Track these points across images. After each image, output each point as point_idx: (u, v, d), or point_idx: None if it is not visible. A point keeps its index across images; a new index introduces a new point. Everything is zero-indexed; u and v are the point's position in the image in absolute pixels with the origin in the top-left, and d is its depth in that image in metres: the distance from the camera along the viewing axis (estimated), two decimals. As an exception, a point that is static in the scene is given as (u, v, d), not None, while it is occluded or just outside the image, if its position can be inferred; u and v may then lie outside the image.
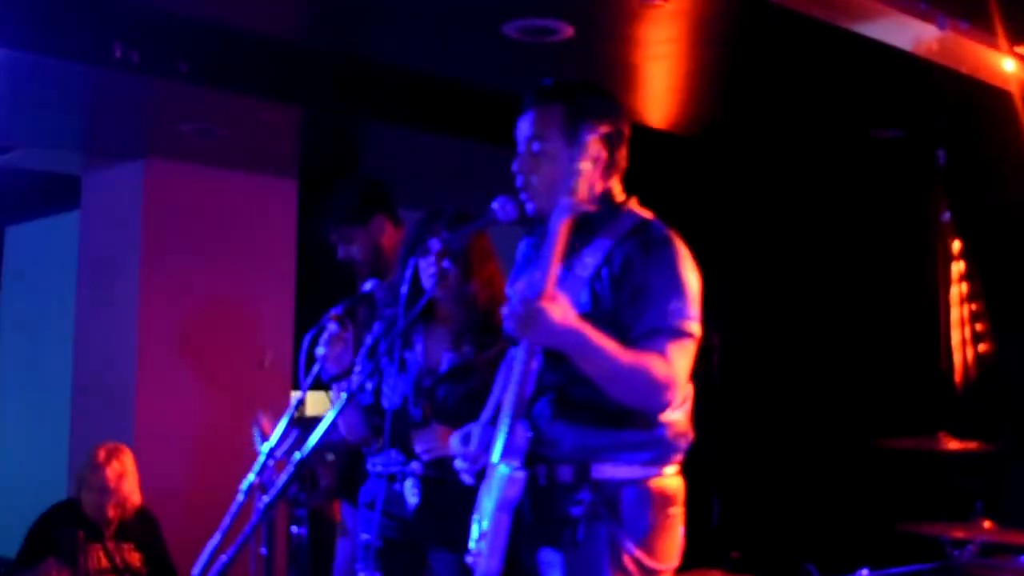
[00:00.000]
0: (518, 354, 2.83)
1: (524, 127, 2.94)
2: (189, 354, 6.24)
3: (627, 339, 2.73)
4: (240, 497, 3.17)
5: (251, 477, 3.18)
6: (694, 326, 2.78)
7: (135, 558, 5.26)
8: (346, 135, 6.02)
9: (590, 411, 2.81)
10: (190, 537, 5.34)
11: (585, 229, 2.88)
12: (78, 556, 5.12)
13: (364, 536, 3.74)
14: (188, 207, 6.24)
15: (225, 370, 6.31)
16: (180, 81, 4.83)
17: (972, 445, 4.87)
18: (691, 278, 2.81)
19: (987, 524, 4.61)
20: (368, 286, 3.67)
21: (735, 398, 5.98)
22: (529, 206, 2.94)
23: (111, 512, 5.23)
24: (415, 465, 3.63)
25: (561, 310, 2.65)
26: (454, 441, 3.05)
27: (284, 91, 5.15)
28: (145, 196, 6.15)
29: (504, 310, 2.68)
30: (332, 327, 3.63)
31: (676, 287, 2.78)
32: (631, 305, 2.77)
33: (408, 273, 3.35)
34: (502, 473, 2.79)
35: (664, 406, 2.75)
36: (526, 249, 3.12)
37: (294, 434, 3.41)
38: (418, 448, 3.60)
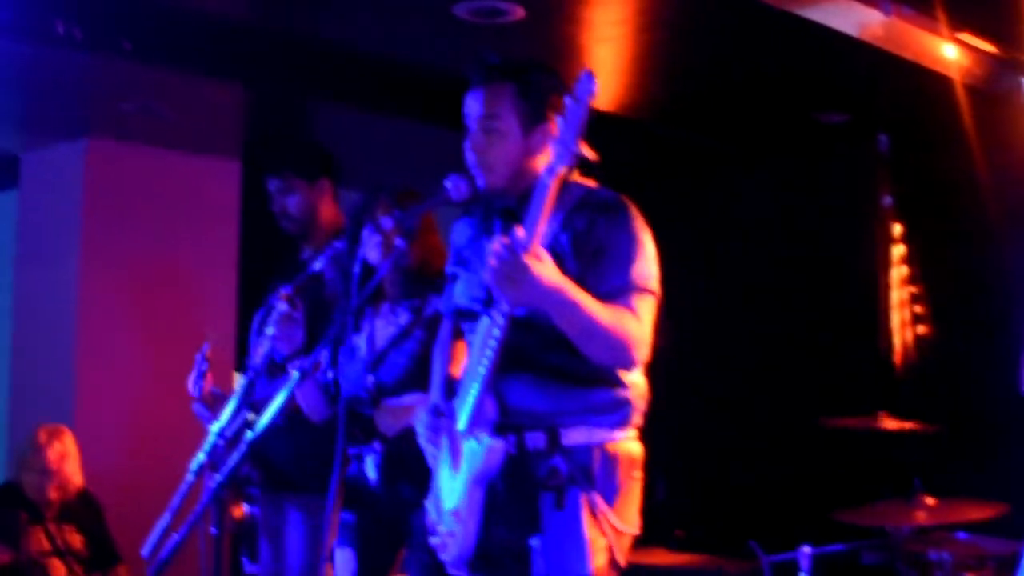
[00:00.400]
0: (487, 323, 2.84)
1: (475, 105, 2.95)
2: (130, 336, 6.19)
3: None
4: (190, 477, 3.15)
5: (200, 457, 3.16)
6: (655, 284, 2.84)
7: (77, 540, 5.24)
8: (291, 116, 5.99)
9: (557, 376, 2.84)
10: (131, 519, 5.33)
11: (529, 204, 2.89)
12: (19, 539, 5.08)
13: (337, 514, 3.75)
14: (130, 187, 6.18)
15: (167, 351, 6.25)
16: (124, 59, 4.78)
17: (911, 425, 4.95)
18: (647, 239, 2.88)
19: (927, 500, 4.69)
20: (318, 265, 3.65)
21: (678, 378, 6.01)
22: (480, 181, 2.95)
23: (52, 494, 5.20)
24: (375, 444, 3.65)
25: (547, 267, 2.67)
26: (418, 422, 3.06)
27: (229, 70, 5.10)
28: (86, 176, 6.08)
29: (487, 271, 2.67)
30: (282, 307, 3.62)
31: (636, 248, 2.84)
32: (595, 266, 2.81)
33: (359, 251, 3.34)
34: (478, 446, 2.83)
35: (635, 363, 2.81)
36: (470, 228, 3.13)
37: (243, 415, 3.41)
38: (382, 428, 3.62)
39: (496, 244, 2.65)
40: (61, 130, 6.02)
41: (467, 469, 2.87)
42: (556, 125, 2.88)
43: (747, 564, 4.73)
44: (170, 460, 4.79)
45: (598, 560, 2.79)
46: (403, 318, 3.70)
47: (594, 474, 2.81)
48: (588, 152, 2.70)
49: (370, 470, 3.67)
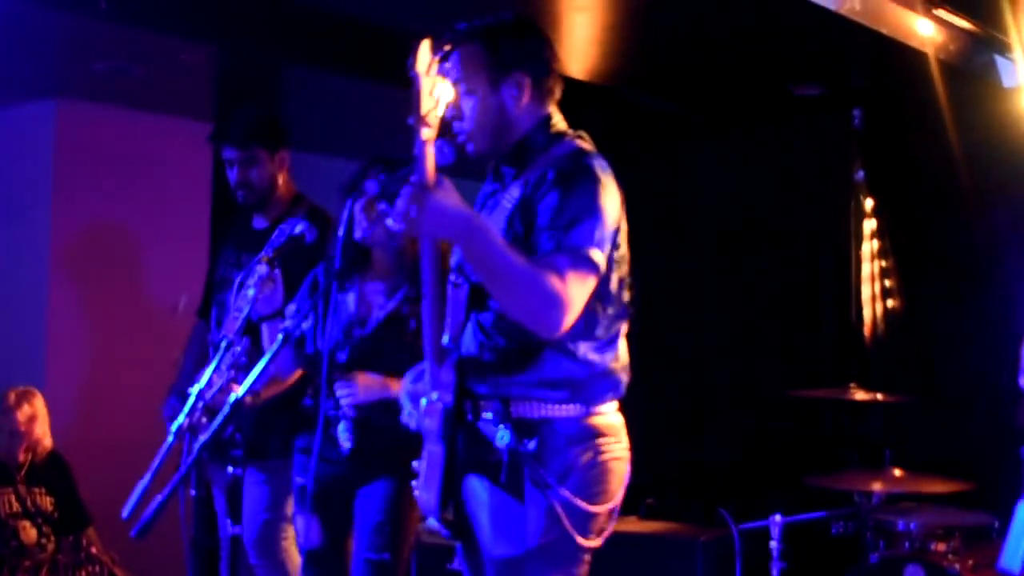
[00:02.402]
0: (423, 276, 2.82)
1: (448, 71, 2.89)
2: (101, 298, 6.15)
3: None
4: (170, 439, 3.14)
5: (181, 419, 3.15)
6: (597, 255, 2.71)
7: (46, 502, 5.23)
8: (264, 78, 5.95)
9: (512, 349, 2.81)
10: (101, 481, 5.33)
11: (519, 159, 2.90)
12: (-11, 500, 5.08)
13: (299, 480, 3.77)
14: (102, 148, 6.13)
15: (138, 314, 6.23)
16: (98, 19, 4.73)
17: (881, 396, 5.00)
18: (608, 209, 2.77)
19: (896, 472, 4.75)
20: (299, 228, 3.64)
21: (649, 347, 6.04)
22: (468, 147, 2.93)
23: (22, 456, 5.20)
24: (348, 408, 3.67)
25: (449, 195, 2.62)
26: (406, 379, 3.06)
27: (203, 31, 5.06)
28: (57, 136, 6.02)
29: (401, 202, 2.64)
30: (262, 269, 3.62)
31: (586, 212, 2.72)
32: (535, 224, 2.74)
33: (344, 215, 3.35)
34: (423, 404, 2.85)
35: (554, 327, 2.67)
36: (481, 197, 3.10)
37: (226, 377, 3.41)
38: (338, 393, 3.64)
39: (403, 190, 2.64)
40: (32, 89, 5.96)
41: (424, 427, 2.89)
42: (528, 76, 2.88)
43: (718, 532, 4.78)
44: (140, 422, 4.81)
45: (543, 536, 2.77)
46: (398, 300, 3.72)
47: (543, 449, 2.78)
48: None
49: (344, 438, 3.70)
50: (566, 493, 2.77)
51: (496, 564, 2.82)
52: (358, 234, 3.65)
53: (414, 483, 2.92)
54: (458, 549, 3.07)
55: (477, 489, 2.87)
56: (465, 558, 3.05)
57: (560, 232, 2.69)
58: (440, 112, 2.70)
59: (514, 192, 2.85)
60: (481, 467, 2.84)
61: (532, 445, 2.77)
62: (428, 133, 2.65)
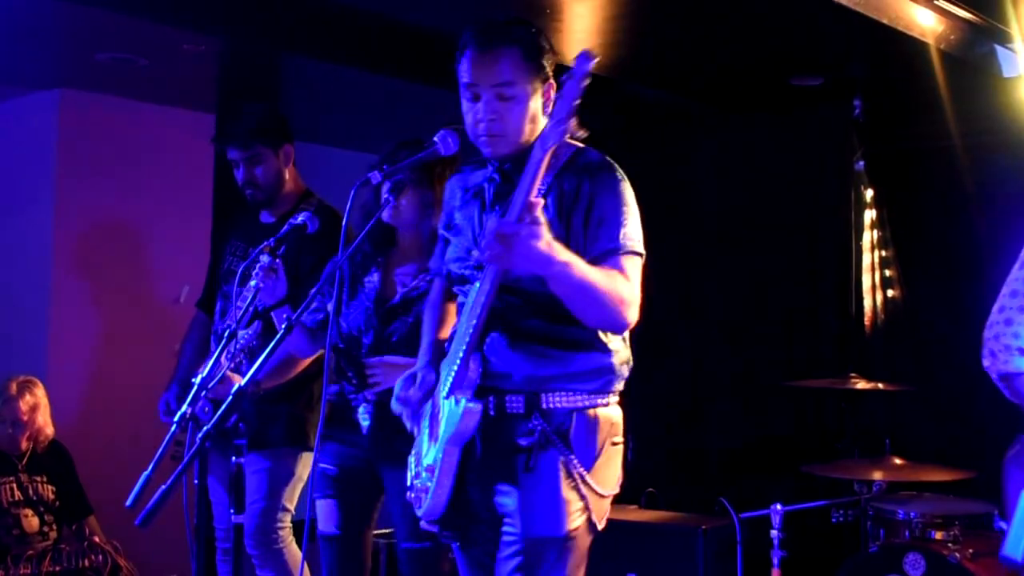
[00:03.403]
0: (478, 288, 2.87)
1: (484, 72, 2.91)
2: (104, 288, 6.17)
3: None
4: (173, 428, 3.16)
5: (184, 408, 3.17)
6: (641, 246, 2.89)
7: (48, 490, 5.25)
8: (267, 68, 5.96)
9: (540, 341, 2.88)
10: (103, 470, 5.36)
11: (523, 165, 2.91)
12: (-9, 489, 5.10)
13: (322, 465, 3.79)
14: (104, 138, 6.14)
15: (141, 304, 6.25)
16: (100, 9, 4.74)
17: (881, 385, 5.02)
18: (633, 201, 2.92)
19: (896, 461, 4.77)
20: (301, 218, 3.67)
21: (651, 337, 6.05)
22: (488, 150, 2.95)
23: (24, 444, 5.22)
24: (369, 393, 3.68)
25: (541, 232, 2.65)
26: (397, 385, 3.09)
27: (206, 22, 5.07)
28: (60, 126, 6.03)
29: (482, 242, 2.70)
30: (265, 259, 3.64)
31: (623, 210, 2.88)
32: (584, 230, 2.85)
33: (348, 204, 3.36)
34: (457, 407, 2.86)
35: (627, 325, 2.84)
36: (460, 189, 3.15)
37: (226, 366, 3.43)
38: (378, 378, 3.66)
39: (491, 223, 2.70)
40: (35, 80, 5.97)
41: (445, 429, 2.91)
42: (552, 88, 2.93)
43: (719, 521, 4.80)
44: (142, 411, 4.83)
45: (574, 521, 2.84)
46: (418, 281, 3.73)
47: (572, 438, 2.86)
48: (580, 130, 2.71)
49: (363, 418, 3.71)
50: (592, 480, 2.87)
51: (527, 543, 2.85)
52: (384, 217, 3.65)
53: (418, 484, 2.96)
54: (455, 548, 3.12)
55: (504, 480, 2.89)
56: (464, 554, 3.10)
57: (612, 232, 2.83)
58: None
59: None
60: (509, 457, 2.87)
61: (563, 433, 2.85)
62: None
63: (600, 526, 2.92)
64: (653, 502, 5.19)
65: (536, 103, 2.94)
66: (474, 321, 2.84)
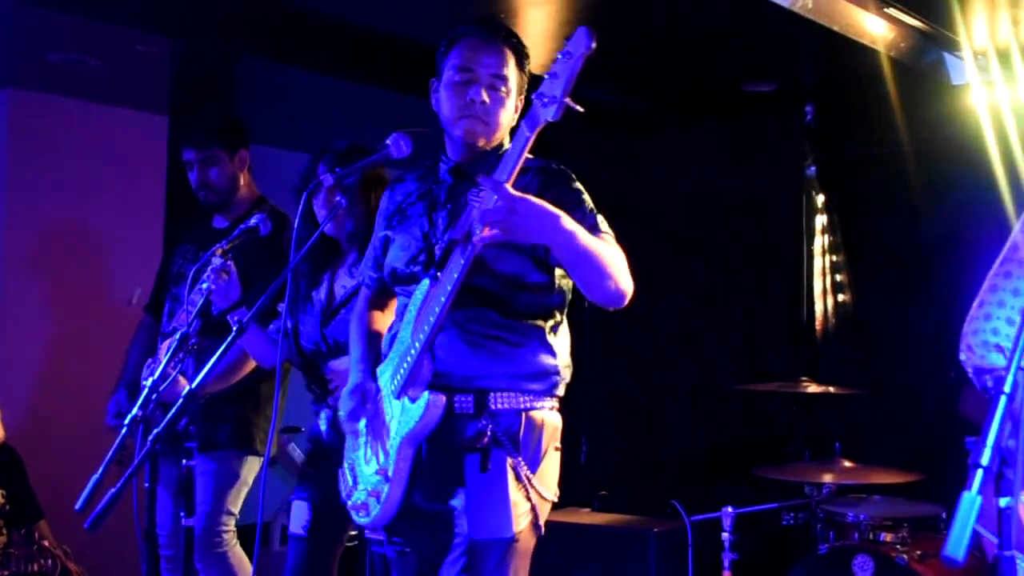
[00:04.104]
0: (427, 285, 2.87)
1: (488, 61, 2.95)
2: (53, 290, 6.11)
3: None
4: (123, 431, 3.14)
5: (134, 411, 3.15)
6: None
7: (-2, 494, 5.19)
8: (220, 71, 5.93)
9: (489, 337, 2.87)
10: (53, 475, 5.30)
11: (486, 165, 2.93)
12: (-60, 494, 5.04)
13: (306, 468, 3.79)
14: (55, 140, 6.08)
15: (92, 306, 6.20)
16: (53, 9, 4.71)
17: (832, 389, 5.07)
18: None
19: (846, 463, 4.81)
20: (253, 220, 3.66)
21: (602, 341, 6.08)
22: (470, 130, 2.94)
23: (-23, 448, 5.15)
24: (331, 399, 3.69)
25: (536, 199, 2.64)
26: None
27: (159, 21, 5.04)
28: (9, 127, 5.97)
29: (477, 211, 2.64)
30: (216, 261, 3.63)
31: (589, 205, 2.90)
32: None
33: (300, 209, 3.36)
34: (414, 404, 2.84)
35: (628, 295, 2.80)
36: (410, 186, 3.14)
37: (178, 370, 3.41)
38: (331, 385, 3.66)
39: (483, 185, 2.63)
40: (-18, 80, 5.92)
41: (399, 430, 2.88)
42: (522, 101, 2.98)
43: (671, 524, 4.82)
44: (91, 417, 4.79)
45: (520, 523, 2.83)
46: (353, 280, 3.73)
47: (520, 440, 2.85)
48: (575, 106, 2.63)
49: (322, 424, 3.71)
50: (537, 483, 2.87)
51: (473, 545, 2.83)
52: (328, 229, 3.66)
53: (366, 490, 2.95)
54: (389, 551, 3.09)
55: (451, 481, 2.87)
56: (398, 557, 3.08)
57: (588, 218, 2.84)
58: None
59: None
60: (458, 458, 2.85)
61: (511, 435, 2.84)
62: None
63: (542, 530, 2.91)
64: (606, 505, 5.21)
65: (511, 107, 2.98)
66: (433, 315, 2.81)
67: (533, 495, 2.86)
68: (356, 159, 3.37)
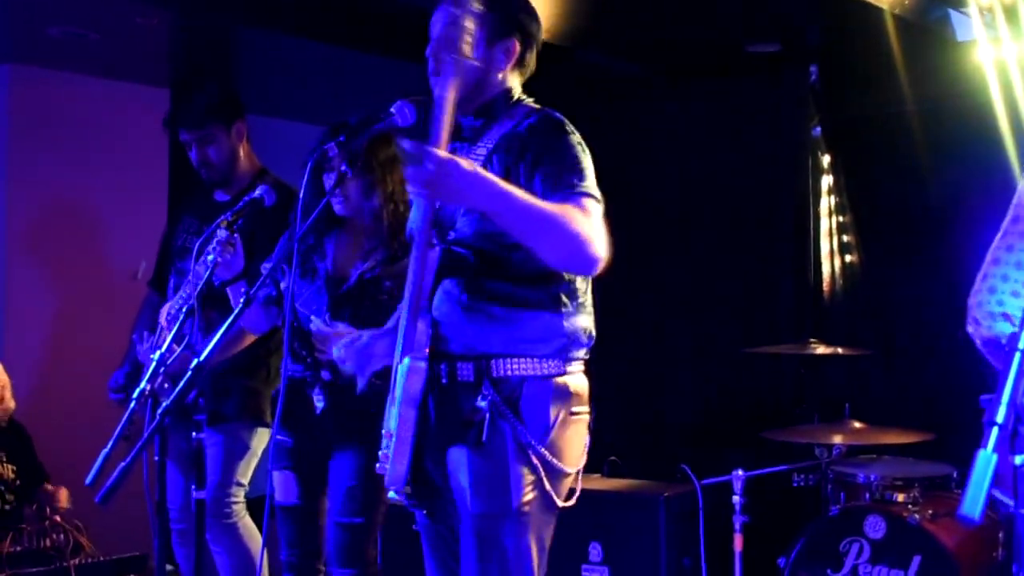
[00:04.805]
0: (414, 248, 2.83)
1: (435, 25, 2.92)
2: (58, 267, 6.11)
3: None
4: (132, 405, 3.14)
5: (143, 385, 3.15)
6: (597, 192, 2.79)
7: (8, 469, 5.20)
8: (220, 42, 5.90)
9: (489, 301, 2.81)
10: (61, 450, 5.31)
11: (481, 121, 2.92)
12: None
13: (279, 437, 3.79)
14: (55, 114, 6.06)
15: (96, 282, 6.19)
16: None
17: (840, 350, 5.06)
18: (584, 154, 2.83)
19: (855, 424, 4.80)
20: (258, 192, 3.65)
21: (610, 307, 6.06)
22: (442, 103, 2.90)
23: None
24: (323, 372, 3.68)
25: (467, 162, 2.62)
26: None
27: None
28: (10, 102, 5.95)
29: (407, 172, 2.61)
30: (222, 233, 3.61)
31: (573, 161, 2.79)
32: (531, 184, 2.76)
33: (304, 179, 3.34)
34: (403, 367, 2.81)
35: (595, 259, 2.70)
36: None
37: (184, 343, 3.41)
38: (316, 351, 3.65)
39: (407, 148, 2.60)
40: (-18, 55, 5.89)
41: (399, 391, 2.85)
42: (519, 44, 2.92)
43: (681, 488, 4.82)
44: (98, 392, 4.79)
45: (526, 495, 2.78)
46: (375, 261, 3.72)
47: (522, 407, 2.79)
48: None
49: (317, 400, 3.71)
50: (546, 452, 2.79)
51: (476, 519, 2.81)
52: (338, 209, 3.68)
53: (381, 454, 2.92)
54: (419, 516, 3.06)
55: (454, 452, 2.84)
56: (427, 526, 3.05)
57: (566, 181, 2.73)
58: (469, 48, 2.73)
59: (480, 151, 2.87)
60: (459, 428, 2.82)
61: (513, 403, 2.78)
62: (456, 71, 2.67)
63: (561, 503, 2.86)
64: (615, 470, 5.21)
65: (495, 55, 2.94)
66: (414, 282, 2.78)
67: (540, 465, 2.78)
68: (365, 131, 3.35)
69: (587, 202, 2.74)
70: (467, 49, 2.76)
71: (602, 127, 6.33)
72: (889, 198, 5.89)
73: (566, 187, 2.73)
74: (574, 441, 2.88)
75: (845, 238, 6.06)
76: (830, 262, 6.04)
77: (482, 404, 2.78)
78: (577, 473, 2.92)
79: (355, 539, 3.75)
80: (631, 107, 6.59)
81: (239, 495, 4.42)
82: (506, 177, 2.76)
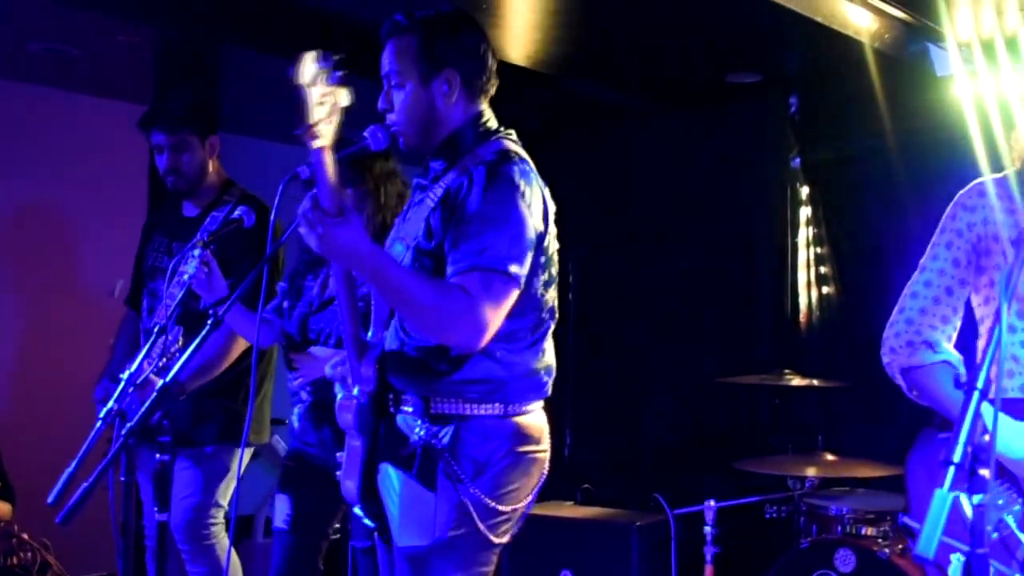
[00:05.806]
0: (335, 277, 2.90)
1: (383, 62, 2.89)
2: (35, 283, 6.08)
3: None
4: (98, 424, 3.12)
5: (111, 404, 3.14)
6: (515, 268, 2.69)
7: (-26, 483, 5.17)
8: (203, 60, 5.89)
9: (432, 347, 2.79)
10: (31, 467, 5.27)
11: (448, 156, 2.89)
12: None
13: (284, 461, 3.80)
14: (37, 131, 6.04)
15: (74, 298, 6.17)
16: (34, -1, 4.68)
17: (815, 382, 5.06)
18: (527, 219, 2.74)
19: (828, 457, 4.80)
20: (237, 211, 3.65)
21: (586, 335, 6.07)
22: (400, 140, 2.91)
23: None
24: (306, 394, 3.68)
25: (349, 230, 2.58)
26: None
27: (140, 10, 5.00)
28: (-10, 117, 5.94)
29: (302, 225, 2.61)
30: (198, 253, 3.61)
31: (504, 225, 2.70)
32: (452, 238, 2.72)
33: (276, 200, 3.33)
34: (338, 398, 2.89)
35: (469, 346, 2.70)
36: (413, 191, 3.08)
37: (149, 368, 3.40)
38: (302, 372, 3.65)
39: (302, 209, 2.60)
40: (-38, 70, 5.87)
41: (346, 420, 2.93)
42: (459, 73, 2.87)
43: (654, 517, 4.82)
44: (71, 409, 4.77)
45: (452, 531, 2.76)
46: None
47: (458, 445, 2.77)
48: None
49: (294, 418, 3.71)
50: (476, 491, 2.77)
51: (404, 554, 2.83)
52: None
53: (338, 473, 2.93)
54: (376, 538, 3.08)
55: (391, 480, 2.86)
56: (381, 547, 3.08)
57: (477, 246, 2.67)
58: (334, 123, 2.64)
59: (437, 191, 2.84)
60: (396, 458, 2.84)
61: (447, 439, 2.77)
62: (320, 142, 2.60)
63: (495, 540, 2.82)
64: (589, 498, 5.20)
65: (435, 90, 2.89)
66: (354, 311, 2.86)
67: (469, 503, 2.75)
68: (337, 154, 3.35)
69: (478, 278, 2.66)
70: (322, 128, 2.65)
71: (583, 154, 6.39)
72: (867, 230, 5.90)
73: (463, 259, 2.68)
74: (514, 480, 2.83)
75: (823, 269, 6.07)
76: (807, 293, 6.05)
77: (416, 437, 2.79)
78: (521, 512, 2.88)
79: (371, 564, 3.72)
80: (613, 135, 6.61)
81: (218, 516, 4.40)
82: (443, 233, 2.75)
